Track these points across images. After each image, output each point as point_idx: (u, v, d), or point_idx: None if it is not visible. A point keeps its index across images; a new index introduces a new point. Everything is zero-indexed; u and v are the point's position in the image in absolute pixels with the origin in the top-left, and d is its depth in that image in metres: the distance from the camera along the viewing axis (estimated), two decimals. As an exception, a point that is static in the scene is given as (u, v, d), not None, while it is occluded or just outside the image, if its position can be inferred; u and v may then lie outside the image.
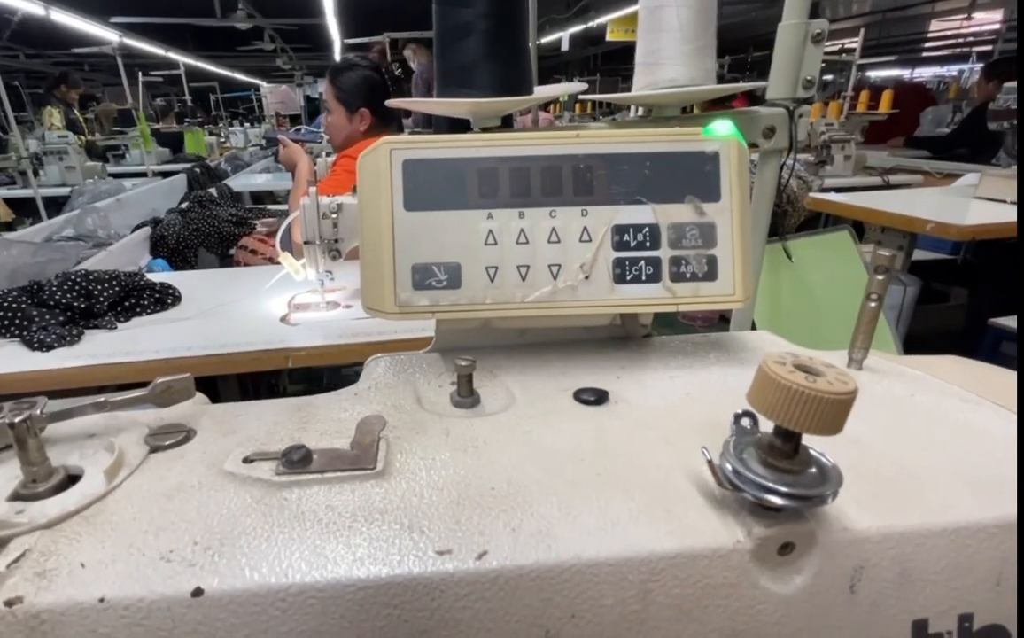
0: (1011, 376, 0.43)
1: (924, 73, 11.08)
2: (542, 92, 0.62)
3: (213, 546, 0.27)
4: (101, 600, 0.25)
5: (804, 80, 0.77)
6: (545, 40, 6.76)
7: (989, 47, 7.70)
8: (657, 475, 0.31)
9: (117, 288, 1.13)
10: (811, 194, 1.90)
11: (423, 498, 0.30)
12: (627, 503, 0.29)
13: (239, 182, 3.42)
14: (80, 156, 3.65)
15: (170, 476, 0.32)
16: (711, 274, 0.42)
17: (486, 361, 0.46)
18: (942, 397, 0.40)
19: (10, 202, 3.33)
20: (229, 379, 1.21)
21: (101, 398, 0.34)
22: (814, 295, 1.34)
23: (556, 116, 5.16)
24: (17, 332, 1.02)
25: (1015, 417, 0.36)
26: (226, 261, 2.01)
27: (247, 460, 0.33)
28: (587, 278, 0.42)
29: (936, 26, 8.64)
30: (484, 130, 0.57)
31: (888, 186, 2.63)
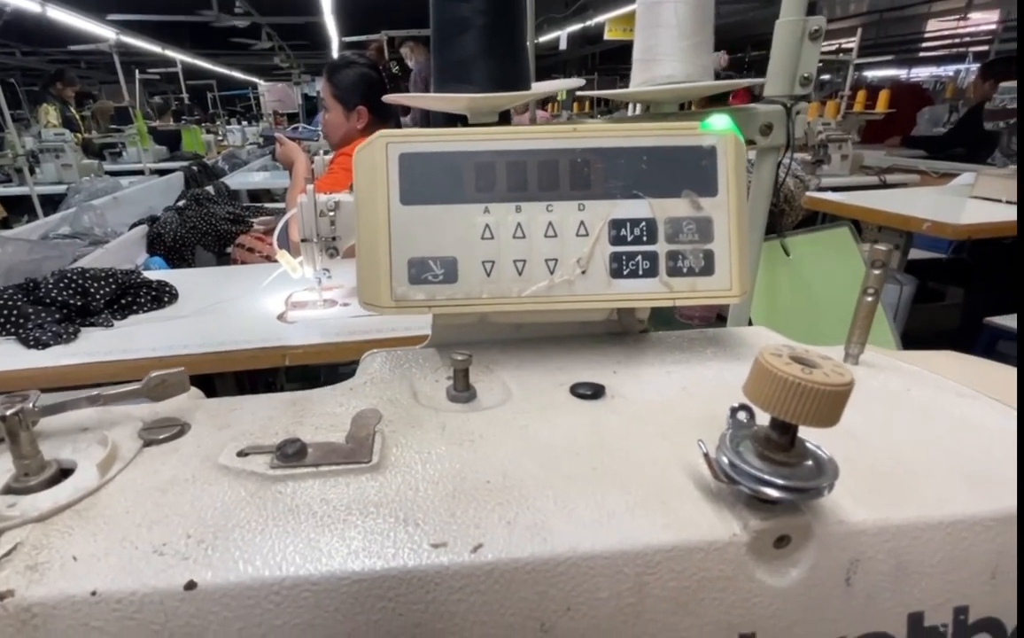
0: (1007, 371, 0.43)
1: (921, 73, 11.10)
2: (539, 88, 0.62)
3: (207, 539, 0.27)
4: (93, 593, 0.24)
5: (801, 77, 0.77)
6: (543, 39, 6.76)
7: (985, 47, 7.72)
8: (653, 469, 0.31)
9: (113, 286, 1.13)
10: (808, 193, 1.91)
11: (418, 491, 0.30)
12: (623, 496, 0.29)
13: (236, 180, 3.42)
14: (77, 154, 3.63)
15: (164, 470, 0.32)
16: (708, 269, 0.42)
17: (483, 356, 0.45)
18: (938, 392, 0.40)
19: (6, 200, 3.32)
20: (226, 377, 1.20)
21: (94, 392, 0.34)
22: (813, 292, 1.34)
23: (554, 115, 5.16)
24: (13, 330, 1.01)
25: (1011, 412, 0.36)
26: (223, 259, 2.00)
27: (241, 454, 0.32)
28: (584, 273, 0.42)
29: (933, 26, 8.66)
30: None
31: (885, 185, 2.63)
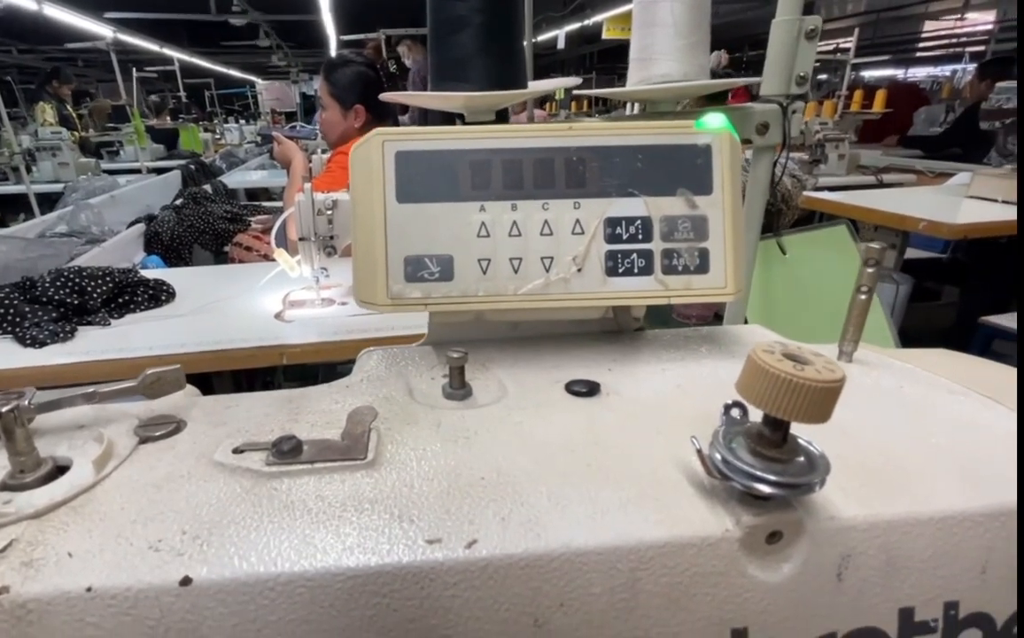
0: (998, 369, 0.44)
1: (918, 73, 11.13)
2: (535, 86, 0.62)
3: (202, 535, 0.27)
4: (88, 589, 0.24)
5: (797, 76, 0.77)
6: (541, 38, 6.76)
7: (982, 47, 7.74)
8: (647, 465, 0.32)
9: (111, 284, 1.12)
10: (805, 193, 1.91)
11: (413, 488, 0.30)
12: (617, 493, 0.29)
13: (234, 179, 3.41)
14: (73, 152, 3.62)
15: (159, 466, 0.32)
16: (703, 267, 0.43)
17: (479, 354, 0.46)
18: (930, 389, 0.40)
19: (3, 198, 3.30)
20: (224, 376, 1.20)
21: (90, 389, 0.34)
22: (810, 290, 1.35)
23: (552, 114, 5.16)
24: (9, 328, 1.01)
25: (1002, 408, 0.37)
26: (221, 258, 2.00)
27: (237, 451, 0.32)
28: (579, 270, 0.42)
29: (930, 26, 8.68)
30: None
31: (881, 185, 2.64)
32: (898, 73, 10.95)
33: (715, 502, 0.29)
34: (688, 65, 0.66)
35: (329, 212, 0.96)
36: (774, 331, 0.53)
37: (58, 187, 3.13)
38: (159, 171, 3.76)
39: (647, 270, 0.42)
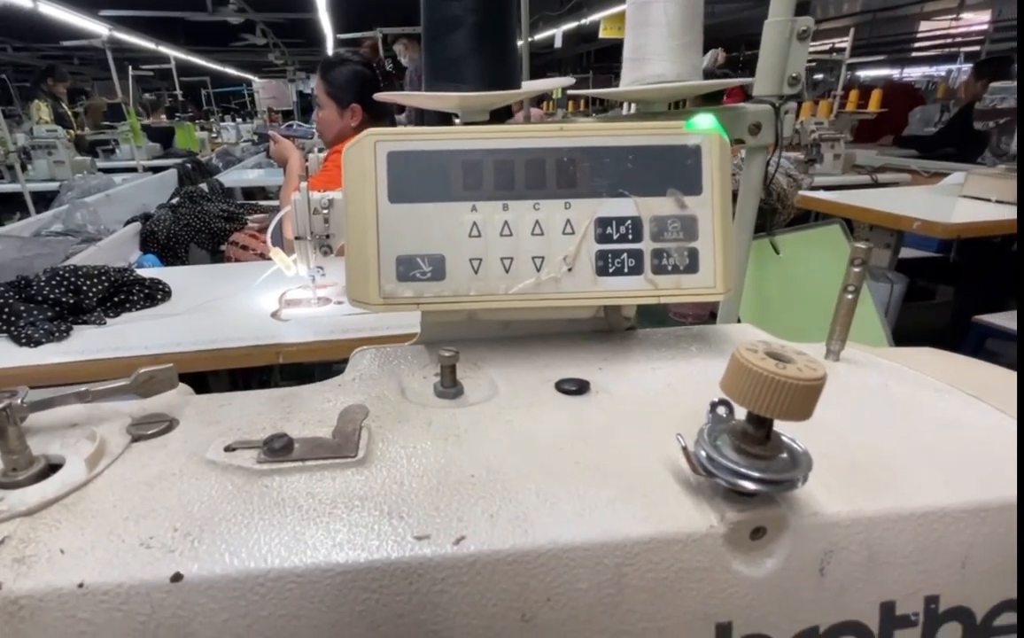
0: (985, 368, 0.44)
1: (913, 73, 11.17)
2: (529, 86, 0.62)
3: (193, 532, 0.27)
4: (80, 586, 0.25)
5: (790, 77, 0.77)
6: (538, 37, 6.76)
7: (977, 47, 7.77)
8: (635, 463, 0.32)
9: (106, 283, 1.12)
10: (801, 192, 1.92)
11: (403, 485, 0.30)
12: (604, 490, 0.30)
13: (230, 178, 3.41)
14: (69, 151, 3.61)
15: (152, 464, 0.32)
16: (692, 266, 0.43)
17: (470, 353, 0.46)
18: (916, 388, 0.40)
19: (-2, 197, 3.29)
20: (220, 375, 1.20)
21: (83, 388, 0.34)
22: (804, 289, 1.35)
23: (549, 113, 5.16)
24: (4, 327, 1.01)
25: (986, 407, 0.37)
26: (217, 257, 2.00)
27: (229, 448, 0.33)
28: (570, 270, 0.43)
29: (925, 26, 8.71)
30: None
31: (876, 185, 2.65)
32: (893, 73, 10.99)
33: (700, 499, 0.29)
34: (681, 65, 0.67)
35: (325, 211, 0.96)
36: (767, 330, 0.53)
37: (53, 185, 3.12)
38: (155, 170, 3.75)
39: (637, 270, 0.43)
